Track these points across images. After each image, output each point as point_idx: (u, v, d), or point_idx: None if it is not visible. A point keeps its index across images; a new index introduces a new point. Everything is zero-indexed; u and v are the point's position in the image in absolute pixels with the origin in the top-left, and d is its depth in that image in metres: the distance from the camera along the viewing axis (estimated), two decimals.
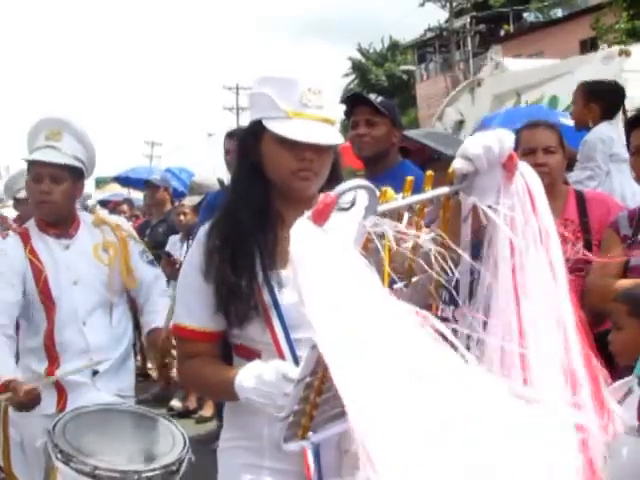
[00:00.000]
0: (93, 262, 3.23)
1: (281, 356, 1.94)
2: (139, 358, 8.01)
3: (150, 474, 2.49)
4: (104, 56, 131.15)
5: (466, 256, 1.51)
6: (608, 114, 4.65)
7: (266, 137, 2.00)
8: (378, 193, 1.46)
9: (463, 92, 10.51)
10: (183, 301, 2.10)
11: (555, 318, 1.46)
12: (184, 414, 6.74)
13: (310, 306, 1.26)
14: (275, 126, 1.96)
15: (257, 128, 2.01)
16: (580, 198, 3.36)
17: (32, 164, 3.17)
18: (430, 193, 1.50)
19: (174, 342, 2.51)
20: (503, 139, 1.49)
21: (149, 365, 7.56)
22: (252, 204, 2.02)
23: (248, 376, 1.85)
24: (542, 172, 3.29)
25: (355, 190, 1.44)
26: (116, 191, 13.28)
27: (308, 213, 1.36)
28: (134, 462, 2.55)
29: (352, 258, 1.32)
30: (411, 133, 3.86)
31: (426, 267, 1.44)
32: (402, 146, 3.74)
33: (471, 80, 11.14)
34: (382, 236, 1.40)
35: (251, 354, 2.02)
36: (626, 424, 2.26)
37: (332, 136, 1.99)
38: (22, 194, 4.79)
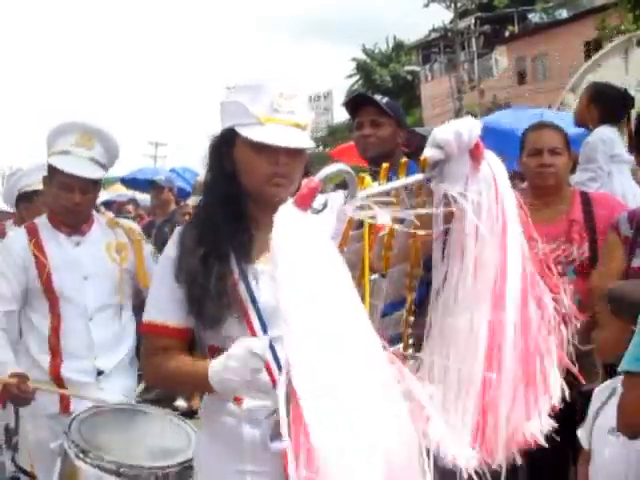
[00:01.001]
0: (104, 260, 3.25)
1: None
2: None
3: (171, 470, 2.52)
4: (106, 57, 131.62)
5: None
6: (607, 119, 4.64)
7: (239, 144, 2.01)
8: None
9: (612, 54, 8.65)
10: (155, 298, 2.10)
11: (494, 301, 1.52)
12: (188, 414, 6.74)
13: (284, 295, 1.28)
14: (248, 132, 1.97)
15: (229, 135, 2.02)
16: (585, 199, 3.37)
17: (62, 173, 3.12)
18: (405, 180, 1.53)
19: None
20: (471, 126, 1.52)
21: None
22: (227, 209, 2.03)
23: (219, 359, 1.87)
24: (549, 173, 3.32)
25: (327, 193, 1.47)
26: (120, 192, 13.28)
27: (292, 198, 1.37)
28: (155, 459, 2.58)
29: (329, 254, 1.34)
30: (419, 130, 3.86)
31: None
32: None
33: (625, 38, 8.97)
34: (362, 223, 1.43)
35: None
36: (610, 425, 2.28)
37: (304, 140, 2.02)
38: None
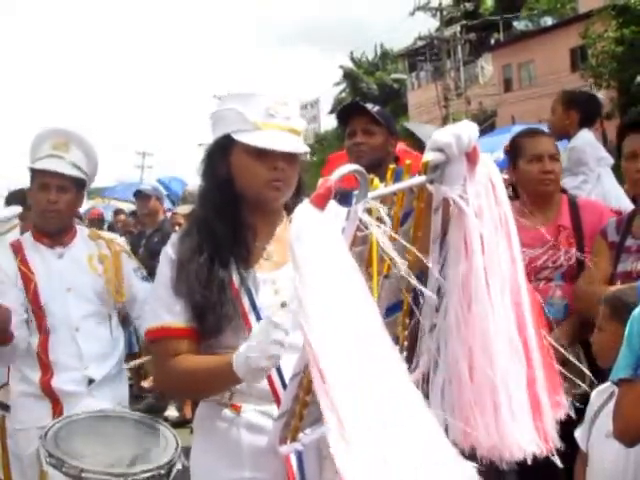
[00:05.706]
0: (87, 271, 3.26)
1: None
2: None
3: (139, 476, 2.46)
4: (94, 67, 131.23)
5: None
6: (586, 123, 4.69)
7: (236, 150, 2.01)
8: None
9: None
10: (161, 300, 2.05)
11: (513, 300, 1.55)
12: (180, 424, 6.73)
13: (304, 297, 1.29)
14: (246, 137, 1.98)
15: (225, 143, 2.02)
16: (573, 205, 3.39)
17: (40, 173, 3.18)
18: (409, 182, 1.56)
19: None
20: (470, 128, 1.55)
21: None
22: (225, 218, 2.03)
23: (244, 344, 1.82)
24: (549, 179, 3.34)
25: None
26: (99, 203, 13.20)
27: (308, 198, 1.39)
28: (123, 465, 2.53)
29: (345, 255, 1.36)
30: (408, 125, 3.87)
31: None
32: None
33: None
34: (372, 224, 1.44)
35: None
36: (607, 428, 2.30)
37: (301, 145, 2.04)
38: None
